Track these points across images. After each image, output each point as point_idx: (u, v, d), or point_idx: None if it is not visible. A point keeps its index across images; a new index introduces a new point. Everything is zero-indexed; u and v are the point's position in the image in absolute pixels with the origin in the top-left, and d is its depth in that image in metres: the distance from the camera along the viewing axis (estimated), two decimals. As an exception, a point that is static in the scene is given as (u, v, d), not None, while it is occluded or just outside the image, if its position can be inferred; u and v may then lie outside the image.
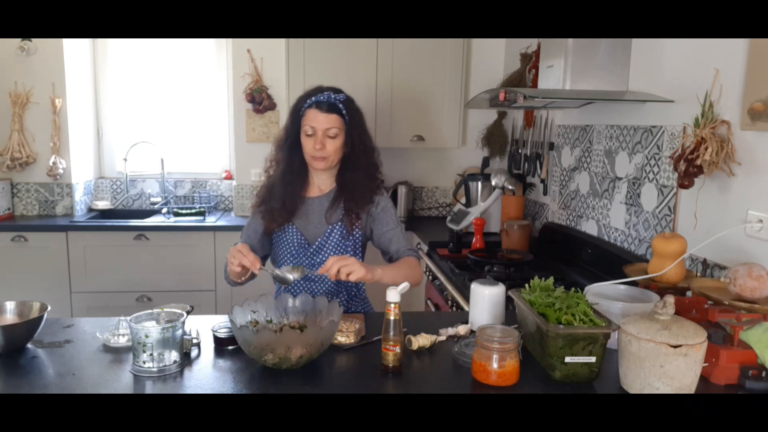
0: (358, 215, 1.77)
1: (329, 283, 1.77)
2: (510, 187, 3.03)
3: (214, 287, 3.37)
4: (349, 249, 1.78)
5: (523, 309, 1.41)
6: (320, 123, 1.68)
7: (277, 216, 1.75)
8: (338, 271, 1.48)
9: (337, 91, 1.74)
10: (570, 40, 2.18)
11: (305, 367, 1.33)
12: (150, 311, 1.38)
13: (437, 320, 1.73)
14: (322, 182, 1.81)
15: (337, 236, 1.75)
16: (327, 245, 1.75)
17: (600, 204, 2.46)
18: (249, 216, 1.87)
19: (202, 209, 3.62)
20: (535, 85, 2.91)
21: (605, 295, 1.50)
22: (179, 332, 1.33)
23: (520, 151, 3.18)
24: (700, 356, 1.18)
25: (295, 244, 1.76)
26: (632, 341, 1.20)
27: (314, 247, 1.76)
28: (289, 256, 1.78)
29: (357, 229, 1.78)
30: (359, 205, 1.76)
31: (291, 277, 1.61)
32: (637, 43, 2.19)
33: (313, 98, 1.69)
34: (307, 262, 1.76)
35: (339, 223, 1.76)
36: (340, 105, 1.71)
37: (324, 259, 1.72)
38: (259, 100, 3.53)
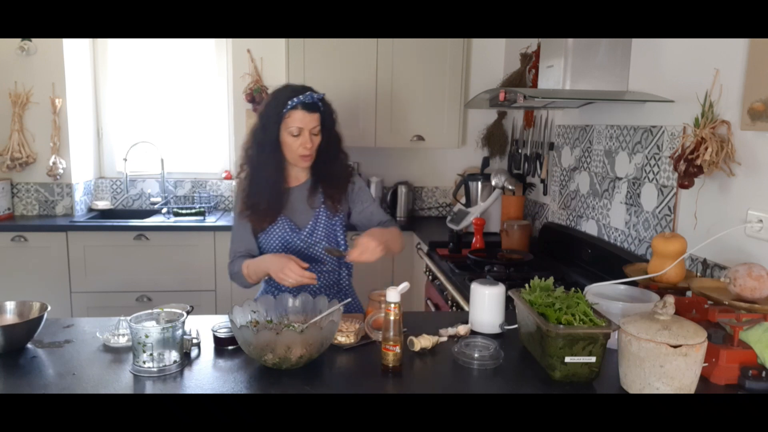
0: (339, 199, 1.89)
1: (327, 276, 1.89)
2: (510, 187, 3.03)
3: (214, 287, 3.37)
4: (338, 227, 1.91)
5: (523, 309, 1.41)
6: (307, 123, 1.75)
7: (266, 216, 1.82)
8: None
9: (309, 89, 1.77)
10: (570, 40, 2.18)
11: (305, 367, 1.33)
12: (150, 311, 1.38)
13: (437, 320, 1.73)
14: (298, 173, 1.89)
15: (324, 218, 1.87)
16: (317, 227, 1.87)
17: (600, 204, 2.46)
18: (234, 222, 1.89)
19: (202, 209, 3.62)
20: (535, 85, 2.91)
21: (605, 295, 1.50)
22: (179, 332, 1.33)
23: (520, 151, 3.17)
24: (700, 356, 1.18)
25: (287, 230, 1.84)
26: (632, 341, 1.20)
27: (306, 231, 1.85)
28: (282, 242, 1.85)
29: (340, 211, 1.90)
30: (339, 190, 1.88)
31: None
32: (637, 43, 2.19)
33: (297, 99, 1.72)
34: (301, 244, 1.85)
35: (322, 207, 1.87)
36: (320, 103, 1.78)
37: (316, 240, 1.86)
38: (259, 100, 3.53)
